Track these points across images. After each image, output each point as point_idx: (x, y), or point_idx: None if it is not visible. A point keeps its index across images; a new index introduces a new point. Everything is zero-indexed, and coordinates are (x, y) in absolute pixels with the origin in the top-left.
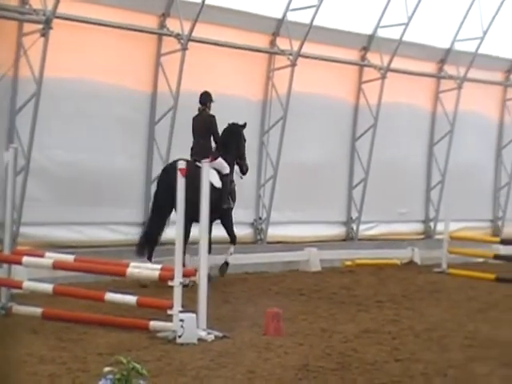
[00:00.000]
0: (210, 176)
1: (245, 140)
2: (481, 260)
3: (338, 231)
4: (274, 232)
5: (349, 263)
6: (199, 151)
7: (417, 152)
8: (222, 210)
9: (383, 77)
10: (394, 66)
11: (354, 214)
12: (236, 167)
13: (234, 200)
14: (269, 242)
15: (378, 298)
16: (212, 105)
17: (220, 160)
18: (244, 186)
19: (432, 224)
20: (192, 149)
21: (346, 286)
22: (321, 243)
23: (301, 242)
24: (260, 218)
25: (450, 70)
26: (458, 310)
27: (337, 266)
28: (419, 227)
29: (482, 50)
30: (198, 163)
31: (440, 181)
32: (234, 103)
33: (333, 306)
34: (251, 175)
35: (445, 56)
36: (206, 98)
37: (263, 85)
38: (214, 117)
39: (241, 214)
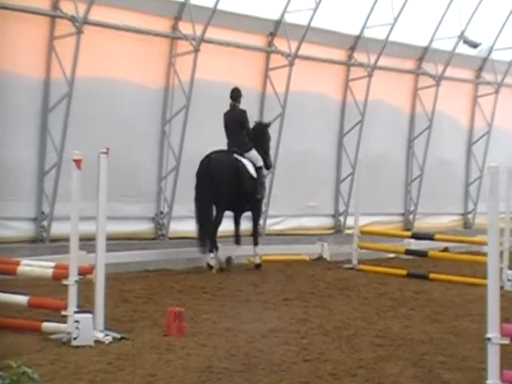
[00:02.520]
0: (247, 166)
1: (270, 138)
2: (392, 255)
3: (245, 226)
4: (176, 227)
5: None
6: (236, 145)
7: (326, 143)
8: (255, 200)
9: (291, 64)
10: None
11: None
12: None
13: (264, 192)
14: (171, 238)
15: (286, 296)
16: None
17: (254, 151)
18: (144, 178)
19: (342, 218)
20: (228, 143)
21: (253, 283)
22: (227, 238)
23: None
24: (161, 213)
25: (359, 57)
26: (368, 308)
27: (243, 263)
28: (329, 222)
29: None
30: (235, 154)
31: (350, 173)
32: (131, 90)
33: (238, 305)
34: (152, 166)
35: (354, 43)
36: (236, 94)
37: (164, 72)
38: (245, 112)
39: (141, 208)
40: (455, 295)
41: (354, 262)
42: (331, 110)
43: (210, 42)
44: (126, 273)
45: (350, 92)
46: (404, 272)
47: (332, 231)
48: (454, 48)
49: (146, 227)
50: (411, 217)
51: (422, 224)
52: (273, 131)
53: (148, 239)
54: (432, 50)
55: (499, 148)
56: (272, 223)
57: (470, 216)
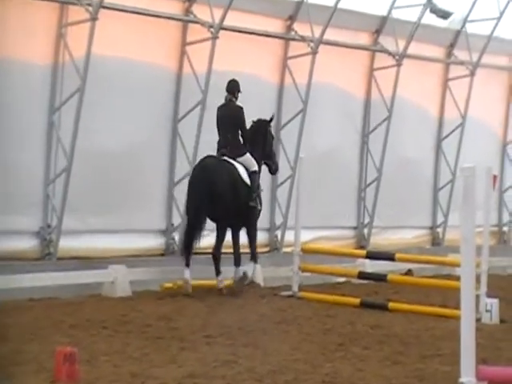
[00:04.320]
0: (240, 171)
1: (273, 137)
2: (342, 280)
3: (156, 243)
4: (67, 244)
5: (169, 285)
6: (229, 147)
7: None
8: (247, 210)
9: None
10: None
11: (177, 220)
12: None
13: (260, 205)
14: (60, 258)
15: (208, 332)
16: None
17: (248, 156)
18: (26, 182)
19: (279, 233)
20: (219, 144)
21: (166, 317)
22: (132, 259)
23: (104, 258)
24: (48, 226)
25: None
26: (312, 347)
27: (153, 290)
28: (263, 237)
29: None
30: (226, 157)
31: (290, 175)
32: None
33: (147, 343)
34: (38, 169)
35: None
36: (234, 86)
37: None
38: (242, 108)
39: (23, 220)
40: (421, 330)
41: (295, 288)
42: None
43: (226, 28)
44: (5, 303)
45: (290, 73)
46: (357, 301)
47: (266, 249)
48: (420, 18)
49: (29, 244)
50: (366, 231)
51: (379, 240)
52: (186, 124)
53: (32, 259)
54: (392, 20)
55: (475, 144)
56: None
57: (439, 230)
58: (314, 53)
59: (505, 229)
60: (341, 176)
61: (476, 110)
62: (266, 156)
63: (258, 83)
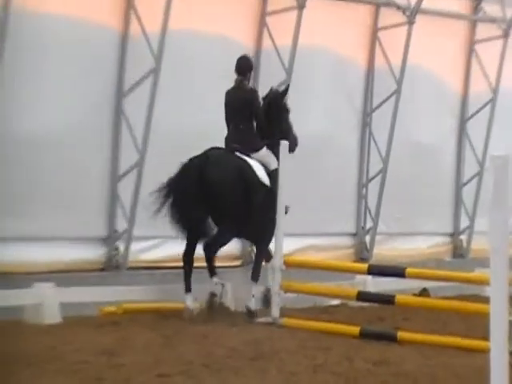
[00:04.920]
0: (255, 169)
1: (287, 111)
2: (337, 302)
3: (95, 254)
4: None
5: (111, 309)
6: (241, 140)
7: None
8: (263, 218)
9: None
10: None
11: (122, 226)
12: None
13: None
14: None
15: (162, 370)
16: None
17: (265, 151)
18: None
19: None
20: (228, 137)
21: (107, 350)
22: (64, 275)
23: (28, 274)
24: None
25: None
26: None
27: (91, 315)
28: (235, 248)
29: None
30: (238, 153)
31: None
32: None
33: None
34: None
35: None
36: (245, 66)
37: None
38: (256, 92)
39: None
40: (438, 367)
41: (275, 312)
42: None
43: None
44: None
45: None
46: (356, 329)
47: (240, 262)
48: None
49: None
50: (368, 239)
51: (385, 250)
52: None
53: None
54: None
55: (509, 126)
56: (138, 249)
57: (462, 237)
58: (301, 7)
59: None
60: (335, 168)
61: (511, 81)
62: (284, 134)
63: (229, 44)
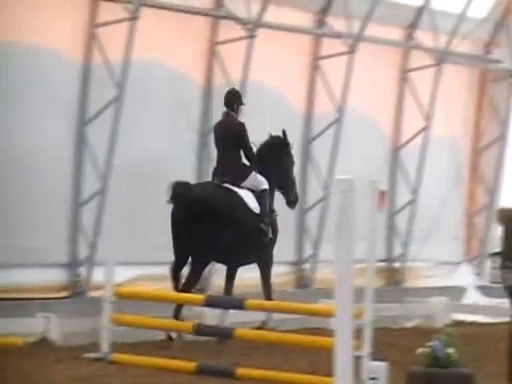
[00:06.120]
0: (246, 198)
1: (293, 162)
2: (173, 335)
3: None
4: None
5: None
6: (228, 170)
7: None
8: (261, 243)
9: None
10: None
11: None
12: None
13: (275, 233)
14: None
15: None
16: None
17: (253, 174)
18: None
19: (85, 270)
20: (216, 169)
21: None
22: None
23: None
24: None
25: None
26: None
27: None
28: (60, 275)
29: None
30: (226, 184)
31: (99, 189)
32: None
33: None
34: None
35: None
36: (233, 98)
37: None
38: (243, 125)
39: None
40: None
41: (105, 347)
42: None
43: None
44: None
45: None
46: (192, 365)
47: (66, 293)
48: None
49: None
50: (207, 268)
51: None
52: None
53: None
54: None
55: (356, 148)
56: None
57: (306, 266)
58: (134, 18)
59: (396, 265)
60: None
61: (356, 101)
62: (282, 182)
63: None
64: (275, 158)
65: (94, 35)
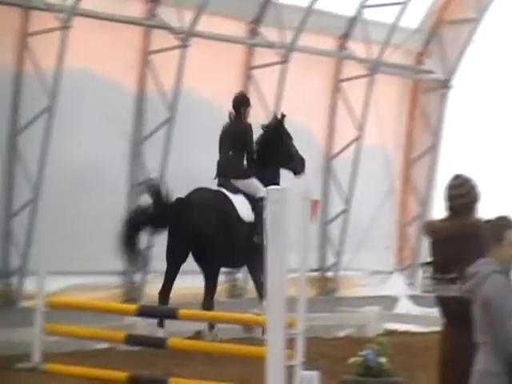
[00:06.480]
0: (238, 206)
1: (290, 138)
2: (105, 346)
3: None
4: None
5: None
6: (229, 168)
7: None
8: (252, 250)
9: None
10: None
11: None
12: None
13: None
14: None
15: None
16: None
17: (253, 180)
18: None
19: (16, 279)
20: (218, 166)
21: None
22: None
23: None
24: None
25: None
26: None
27: None
28: None
29: None
30: (223, 189)
31: (30, 200)
32: None
33: None
34: None
35: None
36: (240, 102)
37: None
38: (249, 126)
39: None
40: None
41: (36, 357)
42: None
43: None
44: None
45: None
46: (123, 375)
47: None
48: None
49: None
50: (138, 278)
51: (157, 291)
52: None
53: None
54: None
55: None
56: None
57: (239, 276)
58: (66, 27)
59: (329, 274)
60: (103, 200)
61: (289, 111)
62: (289, 158)
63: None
64: (276, 139)
65: (26, 44)
